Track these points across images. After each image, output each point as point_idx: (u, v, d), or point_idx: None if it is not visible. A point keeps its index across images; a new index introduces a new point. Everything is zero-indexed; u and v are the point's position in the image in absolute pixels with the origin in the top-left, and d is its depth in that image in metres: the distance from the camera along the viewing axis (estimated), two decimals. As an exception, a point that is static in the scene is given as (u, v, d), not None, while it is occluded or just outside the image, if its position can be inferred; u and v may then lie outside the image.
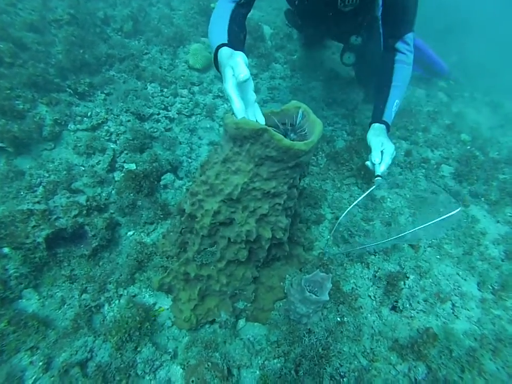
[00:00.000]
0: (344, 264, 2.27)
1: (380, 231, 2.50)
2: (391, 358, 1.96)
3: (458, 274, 2.55)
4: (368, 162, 2.07)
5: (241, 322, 1.98)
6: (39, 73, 2.49)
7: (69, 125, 2.50)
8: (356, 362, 1.90)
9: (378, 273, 2.28)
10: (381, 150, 2.01)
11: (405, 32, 2.29)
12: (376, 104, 2.31)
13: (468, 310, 2.37)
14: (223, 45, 1.68)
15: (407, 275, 2.33)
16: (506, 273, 2.70)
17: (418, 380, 1.90)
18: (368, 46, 2.93)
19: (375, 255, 2.37)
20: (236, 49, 1.59)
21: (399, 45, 2.31)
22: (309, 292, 1.80)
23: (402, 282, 2.27)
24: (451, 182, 3.25)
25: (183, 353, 1.73)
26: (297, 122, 1.66)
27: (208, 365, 1.62)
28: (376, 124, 2.19)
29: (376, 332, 2.04)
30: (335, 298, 2.03)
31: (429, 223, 1.54)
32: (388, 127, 2.20)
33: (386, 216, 2.61)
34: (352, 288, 2.19)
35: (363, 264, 2.31)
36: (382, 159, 2.00)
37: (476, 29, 7.74)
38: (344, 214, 2.04)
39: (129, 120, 2.71)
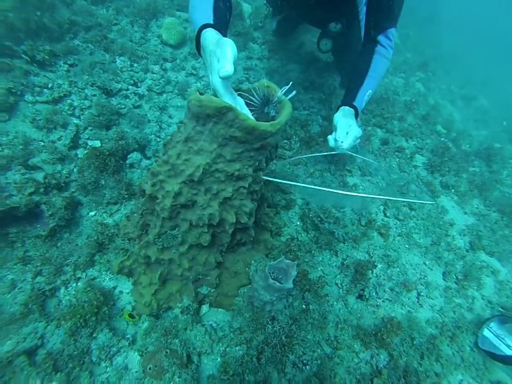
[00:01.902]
0: (313, 251, 2.24)
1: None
2: (355, 346, 1.96)
3: (425, 264, 2.58)
4: (330, 137, 1.97)
5: (205, 308, 1.93)
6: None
7: (26, 96, 2.32)
8: (319, 350, 1.89)
9: (346, 261, 2.27)
10: (347, 131, 1.93)
11: (389, 26, 2.23)
12: (348, 89, 2.25)
13: (432, 299, 2.41)
14: (208, 25, 1.50)
15: (375, 264, 2.33)
16: (470, 263, 2.76)
17: (380, 367, 1.91)
18: (348, 34, 2.86)
19: (344, 243, 2.35)
20: (222, 33, 1.47)
21: (381, 38, 2.25)
22: (273, 279, 1.76)
23: (370, 271, 2.27)
24: (423, 172, 3.27)
25: (142, 340, 1.66)
26: (277, 97, 1.58)
27: (166, 352, 1.56)
28: (346, 107, 2.12)
29: (341, 320, 2.03)
30: (301, 286, 2.00)
31: (397, 198, 1.48)
32: (356, 113, 2.13)
33: (358, 203, 2.59)
34: (320, 275, 2.17)
35: (331, 251, 2.29)
36: (345, 139, 1.92)
37: (457, 22, 7.79)
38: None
39: (95, 95, 2.55)
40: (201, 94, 1.51)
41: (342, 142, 1.89)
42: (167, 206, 1.58)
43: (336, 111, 2.12)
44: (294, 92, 1.55)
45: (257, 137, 1.43)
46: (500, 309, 2.62)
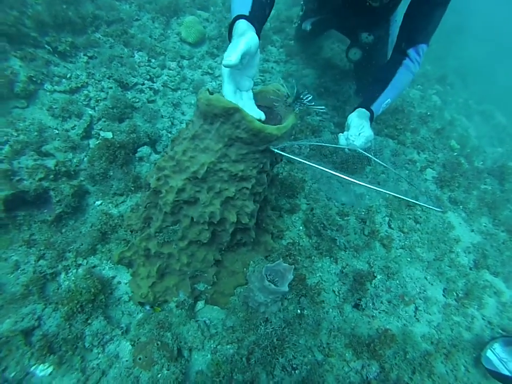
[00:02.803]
0: (313, 257, 2.25)
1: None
2: (346, 354, 1.96)
3: (426, 278, 2.56)
4: (341, 135, 1.87)
5: (200, 304, 1.95)
6: (11, 22, 2.33)
7: (45, 85, 2.39)
8: (310, 355, 1.89)
9: (346, 269, 2.27)
10: (360, 132, 1.87)
11: (421, 41, 2.18)
12: (368, 92, 2.21)
13: (430, 314, 2.39)
14: (242, 16, 1.52)
15: (375, 274, 2.32)
16: (473, 282, 2.73)
17: (370, 378, 1.91)
18: (376, 47, 2.85)
19: (345, 251, 2.35)
20: (255, 26, 1.50)
21: (411, 52, 2.21)
22: (269, 281, 1.77)
23: (368, 281, 2.26)
24: (433, 186, 3.24)
25: (135, 330, 1.70)
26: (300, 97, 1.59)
27: (157, 344, 1.59)
28: (363, 109, 2.05)
29: (335, 328, 2.03)
30: (298, 290, 2.01)
31: (405, 198, 1.41)
32: (372, 117, 2.07)
33: (362, 213, 2.58)
34: (318, 281, 2.17)
35: (332, 258, 2.29)
36: (357, 139, 1.84)
37: (485, 32, 7.64)
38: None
39: (111, 87, 2.60)
40: (211, 93, 1.54)
41: (353, 141, 1.83)
42: (169, 201, 1.61)
43: (352, 112, 2.05)
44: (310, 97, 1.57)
45: (262, 139, 1.45)
46: (500, 330, 2.59)
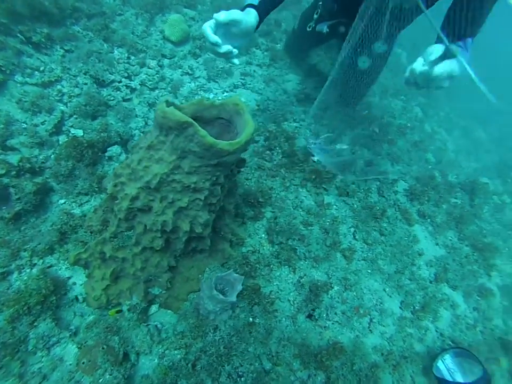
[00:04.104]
0: (271, 266, 2.30)
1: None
2: (294, 364, 2.02)
3: (385, 290, 2.63)
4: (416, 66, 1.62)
5: (154, 308, 1.99)
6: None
7: (16, 76, 2.37)
8: (257, 364, 1.94)
9: (303, 279, 2.32)
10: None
11: (470, 34, 1.81)
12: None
13: (384, 326, 2.46)
14: (250, 6, 1.91)
15: (332, 285, 2.38)
16: (431, 295, 2.81)
17: (314, 388, 1.97)
18: (382, 59, 2.81)
19: (304, 261, 2.40)
20: (261, 16, 1.93)
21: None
22: (219, 290, 1.83)
23: (324, 292, 2.32)
24: (403, 198, 3.30)
25: (84, 333, 1.73)
26: None
27: (103, 348, 1.63)
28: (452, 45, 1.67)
29: (285, 337, 2.08)
30: (250, 299, 2.06)
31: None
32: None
33: (327, 223, 2.63)
34: (273, 290, 2.22)
35: (290, 268, 2.34)
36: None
37: (480, 46, 7.65)
38: None
39: (86, 83, 2.59)
40: (170, 104, 1.57)
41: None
42: (123, 208, 1.64)
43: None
44: None
45: (214, 154, 1.49)
46: (450, 342, 2.68)
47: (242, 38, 1.94)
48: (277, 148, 2.86)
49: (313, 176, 2.74)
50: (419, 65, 1.62)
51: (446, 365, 2.40)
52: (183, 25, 3.26)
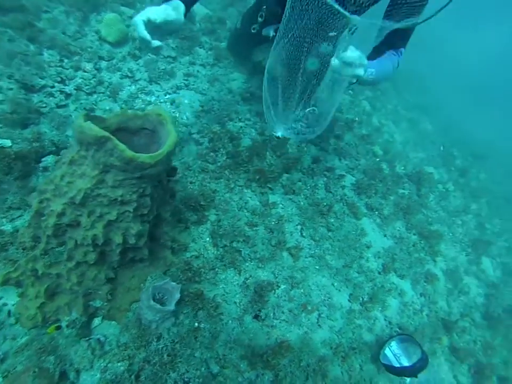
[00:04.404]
0: (216, 269, 2.28)
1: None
2: (241, 365, 2.02)
3: (333, 285, 2.68)
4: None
5: (97, 320, 1.93)
6: None
7: None
8: (203, 368, 1.93)
9: (248, 280, 2.32)
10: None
11: (403, 46, 2.34)
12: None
13: (332, 320, 2.51)
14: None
15: (279, 284, 2.40)
16: (379, 285, 2.90)
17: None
18: (329, 59, 2.84)
19: (250, 262, 2.40)
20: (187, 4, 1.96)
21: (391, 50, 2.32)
22: (159, 298, 1.80)
23: (271, 292, 2.34)
24: (350, 193, 3.37)
25: (13, 358, 1.65)
26: None
27: (34, 372, 1.56)
28: None
29: (232, 339, 2.08)
30: (194, 305, 2.04)
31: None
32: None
33: (272, 222, 2.64)
34: (218, 294, 2.21)
35: (236, 270, 2.33)
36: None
37: (423, 43, 7.93)
38: None
39: (11, 89, 2.46)
40: (92, 117, 1.52)
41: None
42: (50, 225, 1.58)
43: None
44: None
45: (136, 167, 1.46)
46: (397, 329, 2.78)
47: (170, 33, 2.05)
48: (221, 149, 2.84)
49: (257, 177, 2.74)
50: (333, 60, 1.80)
51: (393, 351, 2.50)
52: (120, 25, 3.15)
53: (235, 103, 3.32)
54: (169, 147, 1.48)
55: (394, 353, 2.50)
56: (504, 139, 7.79)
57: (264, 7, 2.95)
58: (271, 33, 3.19)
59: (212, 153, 2.80)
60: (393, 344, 2.54)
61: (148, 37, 1.77)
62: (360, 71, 1.78)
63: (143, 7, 3.46)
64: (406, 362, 2.47)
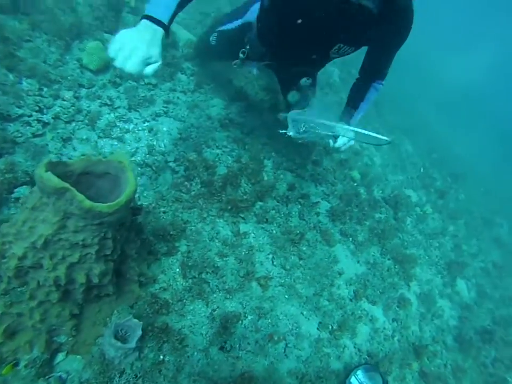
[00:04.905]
0: (184, 300, 2.33)
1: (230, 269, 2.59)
2: (204, 398, 2.07)
3: (302, 314, 2.74)
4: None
5: (61, 356, 1.97)
6: None
7: None
8: (165, 402, 1.98)
9: (215, 312, 2.38)
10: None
11: (381, 78, 2.64)
12: (346, 111, 2.68)
13: (300, 349, 2.56)
14: (159, 23, 1.76)
15: (246, 315, 2.46)
16: (349, 312, 2.96)
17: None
18: (311, 88, 3.14)
19: (218, 293, 2.46)
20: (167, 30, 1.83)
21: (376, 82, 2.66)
22: (122, 335, 1.86)
23: (237, 322, 2.39)
24: (325, 219, 3.44)
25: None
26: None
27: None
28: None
29: (196, 372, 2.13)
30: (159, 338, 2.09)
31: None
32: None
33: (243, 253, 2.71)
34: (186, 325, 2.26)
35: (204, 301, 2.39)
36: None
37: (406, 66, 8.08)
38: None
39: (-14, 119, 2.52)
40: (54, 163, 1.58)
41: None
42: (11, 267, 1.63)
43: None
44: None
45: (94, 216, 1.52)
46: (366, 356, 2.84)
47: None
48: (196, 178, 2.90)
49: (229, 207, 2.81)
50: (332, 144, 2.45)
51: (359, 379, 2.56)
52: (101, 54, 3.20)
53: (213, 130, 3.39)
54: (126, 196, 1.54)
55: (361, 382, 2.56)
56: (483, 158, 7.97)
57: (248, 47, 2.95)
58: (255, 72, 3.30)
59: (186, 182, 2.87)
60: (359, 372, 2.60)
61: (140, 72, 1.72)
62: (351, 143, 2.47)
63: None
64: (372, 391, 2.53)
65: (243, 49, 2.99)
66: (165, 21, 1.80)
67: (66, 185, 1.44)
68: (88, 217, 1.53)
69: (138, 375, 1.95)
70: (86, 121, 2.94)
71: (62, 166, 1.64)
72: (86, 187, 1.77)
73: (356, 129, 2.23)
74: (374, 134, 2.09)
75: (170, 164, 2.97)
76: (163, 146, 3.07)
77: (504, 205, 7.29)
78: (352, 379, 2.57)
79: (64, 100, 2.93)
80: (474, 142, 8.25)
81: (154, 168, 2.88)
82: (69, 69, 3.10)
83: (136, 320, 1.87)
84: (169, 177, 2.90)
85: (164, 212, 2.65)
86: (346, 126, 2.34)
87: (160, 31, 1.78)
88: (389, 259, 3.66)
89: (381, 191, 4.27)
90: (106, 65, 3.27)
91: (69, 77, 3.04)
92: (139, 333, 1.85)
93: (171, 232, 2.49)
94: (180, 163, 2.98)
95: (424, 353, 3.26)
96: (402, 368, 3.06)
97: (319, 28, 2.30)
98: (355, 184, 4.04)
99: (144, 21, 1.75)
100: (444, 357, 3.48)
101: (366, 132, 2.10)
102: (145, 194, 2.72)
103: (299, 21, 2.27)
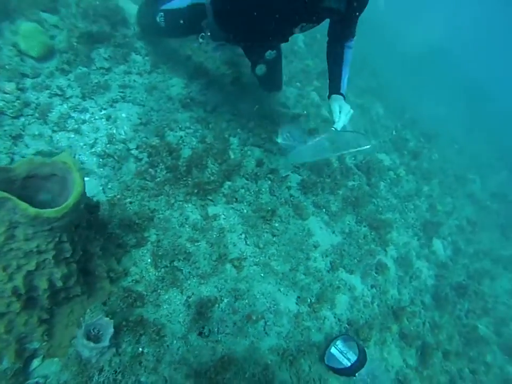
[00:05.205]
0: (159, 290, 2.31)
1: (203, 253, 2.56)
2: (187, 384, 2.09)
3: (280, 290, 2.76)
4: (338, 123, 2.62)
5: (36, 362, 1.93)
6: None
7: None
8: (147, 393, 1.99)
9: (191, 298, 2.36)
10: (339, 110, 2.59)
11: (353, 35, 2.75)
12: (331, 80, 2.80)
13: (279, 326, 2.59)
14: None
15: (222, 298, 2.46)
16: (327, 284, 3.00)
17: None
18: (277, 59, 3.32)
19: (192, 279, 2.44)
20: None
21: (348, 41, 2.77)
22: (95, 334, 1.83)
23: (215, 306, 2.39)
24: (296, 193, 3.42)
25: None
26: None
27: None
28: (335, 95, 2.71)
29: (177, 360, 2.14)
30: (135, 331, 2.07)
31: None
32: (344, 97, 2.72)
33: (214, 236, 2.67)
34: (163, 315, 2.24)
35: (178, 289, 2.36)
36: (339, 118, 2.59)
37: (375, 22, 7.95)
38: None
39: None
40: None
41: (337, 120, 2.59)
42: (-40, 282, 1.56)
43: (329, 100, 2.73)
44: None
45: (43, 222, 1.45)
46: (346, 325, 2.90)
47: None
48: (160, 164, 2.81)
49: (196, 190, 2.74)
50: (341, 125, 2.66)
51: (339, 349, 2.62)
52: (42, 37, 2.91)
53: (175, 111, 3.26)
54: (74, 199, 1.47)
55: (341, 351, 2.62)
56: (453, 116, 8.04)
57: (209, 33, 2.85)
58: (219, 52, 3.20)
59: (150, 169, 2.78)
60: (339, 343, 2.65)
61: None
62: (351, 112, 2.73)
63: (69, 13, 3.24)
64: (353, 356, 2.60)
65: (202, 34, 2.88)
66: None
67: (6, 194, 1.35)
68: (37, 224, 1.46)
69: (118, 370, 1.94)
70: (37, 114, 2.75)
71: (3, 172, 1.55)
72: (34, 190, 1.68)
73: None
74: (361, 148, 2.75)
75: (133, 152, 2.85)
76: (123, 133, 2.94)
77: (475, 160, 7.45)
78: (333, 349, 2.62)
79: (6, 93, 2.71)
80: (444, 100, 8.28)
81: (116, 158, 2.75)
82: (5, 56, 2.75)
83: (106, 319, 1.84)
84: (132, 165, 2.79)
85: (130, 203, 2.57)
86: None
87: None
88: (364, 226, 3.69)
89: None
90: (51, 51, 3.01)
91: (6, 66, 2.76)
92: (111, 330, 1.82)
93: (139, 223, 2.43)
94: (142, 150, 2.87)
95: (403, 315, 3.36)
96: (383, 332, 3.15)
97: (283, 20, 2.48)
98: (326, 153, 4.00)
99: None
100: (422, 316, 3.60)
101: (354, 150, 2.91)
102: (109, 186, 2.61)
103: (263, 13, 2.43)
